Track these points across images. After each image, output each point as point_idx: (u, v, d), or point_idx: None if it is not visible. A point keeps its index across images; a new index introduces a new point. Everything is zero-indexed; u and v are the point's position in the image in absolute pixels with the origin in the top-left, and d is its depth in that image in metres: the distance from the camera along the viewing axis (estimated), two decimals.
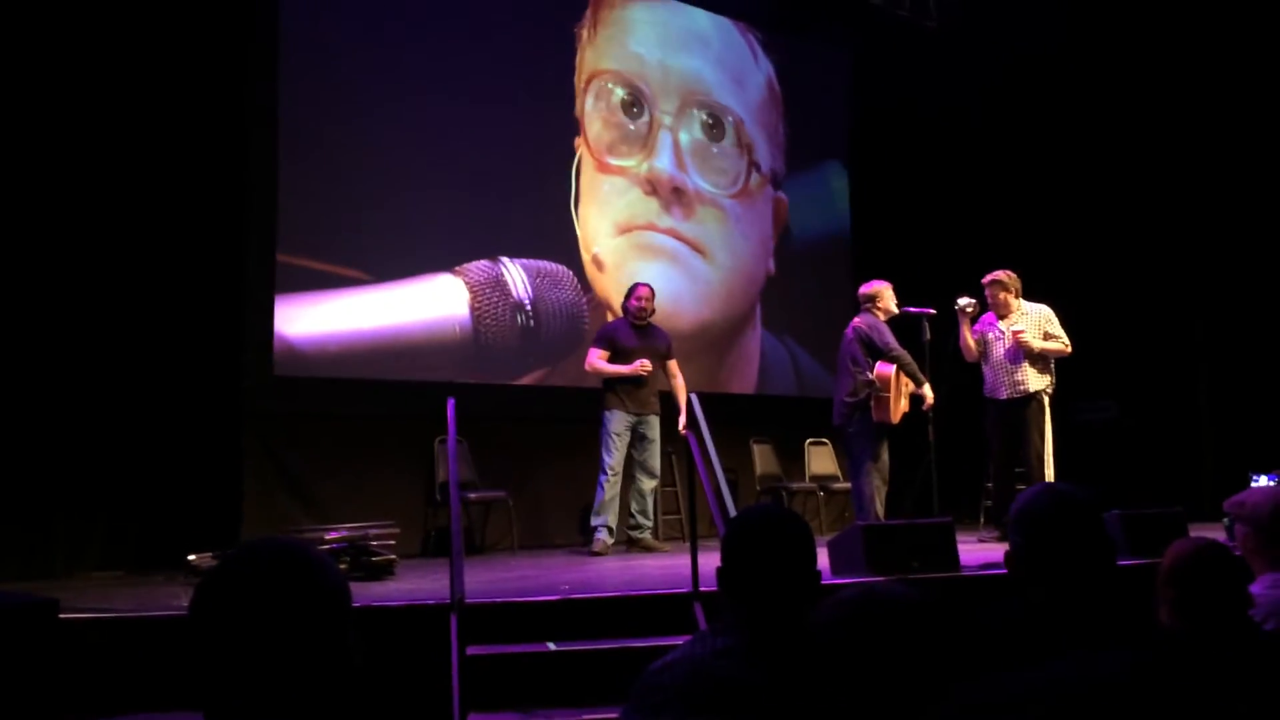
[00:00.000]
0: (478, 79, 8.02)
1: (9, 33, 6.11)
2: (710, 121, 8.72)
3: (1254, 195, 9.55)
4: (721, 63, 9.16)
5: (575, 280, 8.36)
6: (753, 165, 8.87)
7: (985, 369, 7.30)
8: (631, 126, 8.43)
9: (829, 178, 10.41)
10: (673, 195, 8.62)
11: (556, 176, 8.36)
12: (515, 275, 7.98)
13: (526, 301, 8.05)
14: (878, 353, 6.92)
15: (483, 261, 7.93)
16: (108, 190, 6.46)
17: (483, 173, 7.93)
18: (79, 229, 6.34)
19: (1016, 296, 7.23)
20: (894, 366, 6.87)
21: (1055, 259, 10.12)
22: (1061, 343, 7.15)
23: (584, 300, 8.37)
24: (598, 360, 7.14)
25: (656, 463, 7.25)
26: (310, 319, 7.22)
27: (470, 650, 4.09)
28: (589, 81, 8.39)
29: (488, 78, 8.06)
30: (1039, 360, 7.13)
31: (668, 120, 8.55)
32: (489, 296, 7.92)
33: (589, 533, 7.16)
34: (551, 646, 4.31)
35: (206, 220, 6.82)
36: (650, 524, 7.33)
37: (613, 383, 7.12)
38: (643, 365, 7.05)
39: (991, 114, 10.27)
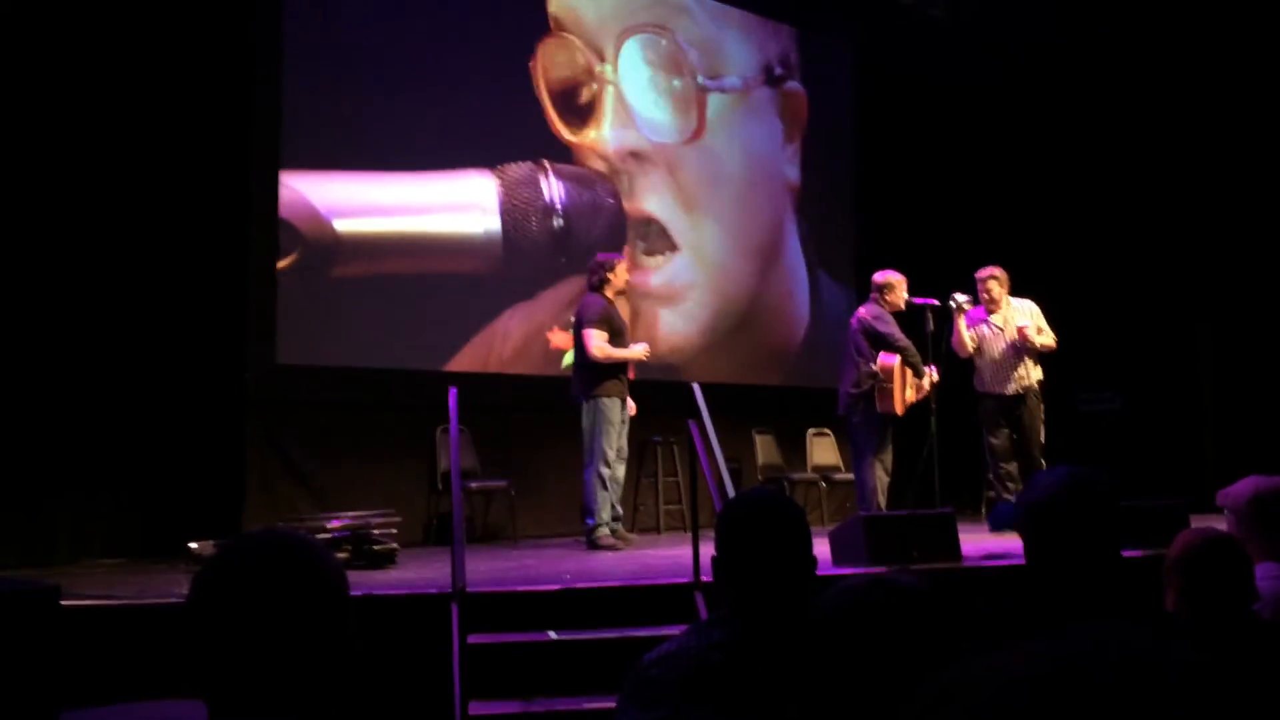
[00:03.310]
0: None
1: None
2: (651, 49, 7.56)
3: (1260, 189, 9.52)
4: None
5: (612, 187, 7.77)
6: (703, 90, 7.67)
7: (981, 363, 7.43)
8: (579, 98, 7.65)
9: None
10: (631, 162, 7.88)
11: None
12: (550, 179, 7.60)
13: (558, 204, 7.64)
14: (882, 343, 6.91)
15: (526, 163, 7.57)
16: (111, 179, 6.44)
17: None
18: (81, 216, 6.32)
19: (1007, 292, 7.42)
20: (898, 358, 6.87)
21: (1060, 249, 10.11)
22: (1052, 338, 7.36)
23: (619, 207, 7.74)
24: (605, 344, 6.56)
25: (626, 444, 6.85)
26: (336, 194, 6.93)
27: (471, 639, 4.09)
28: (537, 50, 7.62)
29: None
30: (1034, 354, 7.31)
31: (609, 73, 7.59)
32: (520, 194, 7.57)
33: (589, 531, 6.73)
34: (552, 635, 4.32)
35: (209, 206, 6.79)
36: (621, 514, 6.94)
37: (611, 368, 6.66)
38: (646, 350, 6.78)
39: (997, 103, 10.24)
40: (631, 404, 6.85)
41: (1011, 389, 7.30)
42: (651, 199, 7.68)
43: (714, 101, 7.08)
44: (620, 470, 6.83)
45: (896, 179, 10.38)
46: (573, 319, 6.95)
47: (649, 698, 1.84)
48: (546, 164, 7.60)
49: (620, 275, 6.82)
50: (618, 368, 6.69)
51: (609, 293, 6.78)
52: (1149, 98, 9.88)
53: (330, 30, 7.44)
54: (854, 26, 10.56)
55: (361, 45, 7.55)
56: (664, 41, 6.88)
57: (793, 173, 7.86)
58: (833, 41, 10.59)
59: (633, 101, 7.08)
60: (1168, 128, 9.86)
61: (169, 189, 6.63)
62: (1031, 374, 7.31)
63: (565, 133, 7.33)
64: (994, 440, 7.42)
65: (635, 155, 7.40)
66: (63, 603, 3.49)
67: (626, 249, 7.67)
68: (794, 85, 7.81)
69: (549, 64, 7.15)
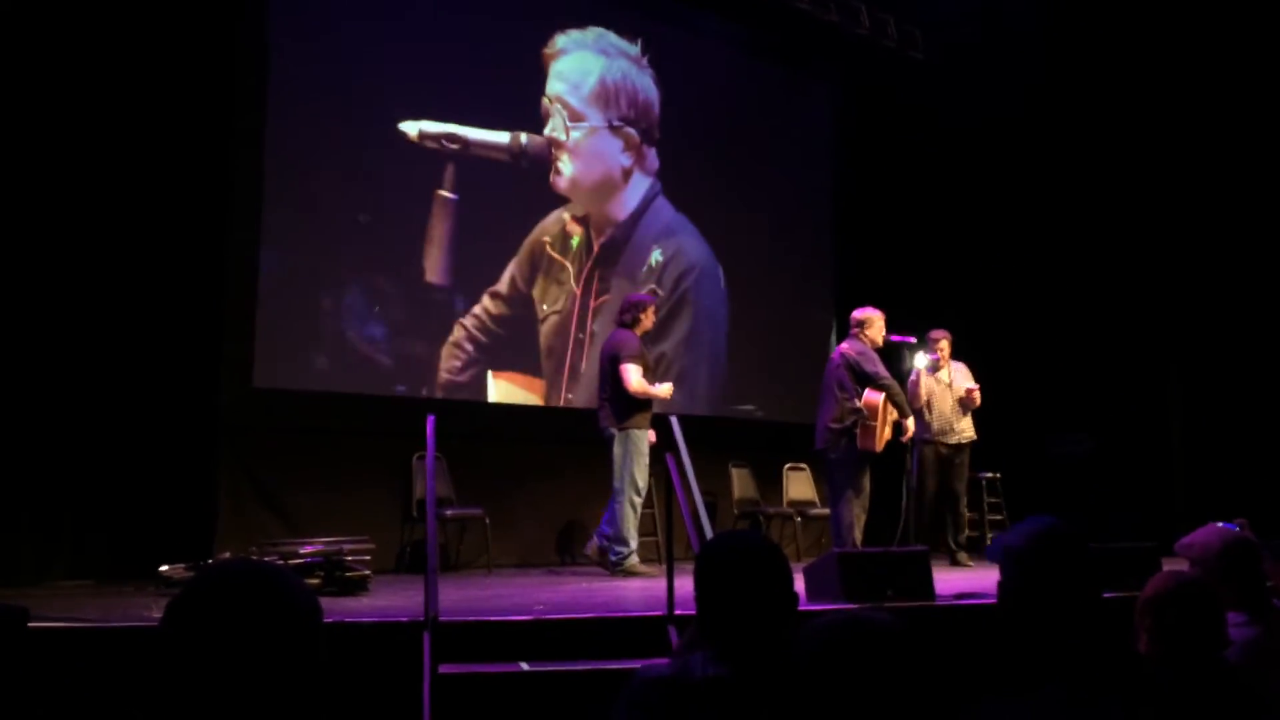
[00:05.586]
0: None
1: None
2: (553, 111, 9.11)
3: (1230, 235, 9.65)
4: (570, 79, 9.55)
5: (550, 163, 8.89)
6: (566, 125, 9.32)
7: (929, 414, 7.92)
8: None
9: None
10: (555, 142, 8.97)
11: None
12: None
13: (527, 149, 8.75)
14: (866, 380, 6.93)
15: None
16: (89, 194, 6.40)
17: None
18: (57, 233, 6.26)
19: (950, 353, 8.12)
20: (882, 395, 6.88)
21: (1032, 292, 10.20)
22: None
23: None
24: (643, 379, 6.83)
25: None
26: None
27: (442, 669, 4.06)
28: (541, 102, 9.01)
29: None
30: (969, 411, 7.98)
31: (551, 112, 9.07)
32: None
33: (619, 559, 6.91)
34: (524, 666, 4.29)
35: (187, 226, 6.76)
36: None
37: (642, 402, 6.88)
38: (670, 390, 7.00)
39: (975, 144, 10.34)
40: (651, 433, 7.01)
41: (953, 439, 7.92)
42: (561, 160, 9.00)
43: (575, 131, 9.08)
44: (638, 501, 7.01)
45: (875, 216, 10.47)
46: (605, 351, 7.06)
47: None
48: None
49: (650, 317, 7.11)
50: (647, 401, 6.89)
51: (639, 331, 6.99)
52: (1126, 139, 10.02)
53: (317, 58, 7.48)
54: (835, 67, 10.67)
55: (349, 78, 7.64)
56: (554, 105, 9.03)
57: (626, 162, 9.55)
58: (814, 81, 10.73)
59: (553, 125, 8.98)
60: (1142, 169, 9.99)
61: (146, 205, 6.59)
62: (970, 428, 7.99)
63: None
64: (930, 487, 7.90)
65: (553, 142, 8.85)
66: (31, 624, 3.46)
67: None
68: (629, 130, 9.57)
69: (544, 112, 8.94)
